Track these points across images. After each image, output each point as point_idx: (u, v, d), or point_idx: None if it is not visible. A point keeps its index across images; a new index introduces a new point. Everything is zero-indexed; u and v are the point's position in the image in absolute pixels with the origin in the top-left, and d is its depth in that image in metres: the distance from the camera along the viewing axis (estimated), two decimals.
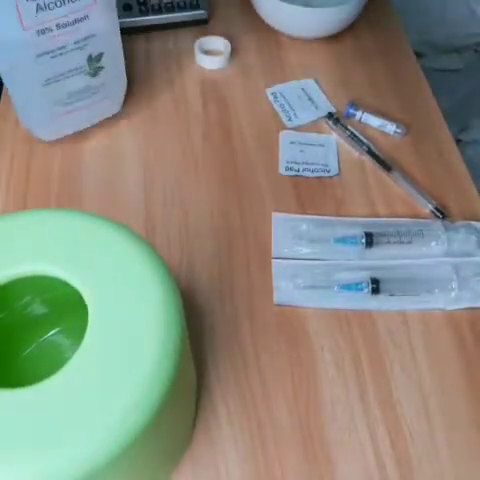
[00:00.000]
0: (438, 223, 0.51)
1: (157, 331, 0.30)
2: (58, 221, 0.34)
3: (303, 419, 0.42)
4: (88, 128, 0.59)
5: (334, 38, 0.68)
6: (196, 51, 0.65)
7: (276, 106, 0.62)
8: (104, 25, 0.52)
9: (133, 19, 0.67)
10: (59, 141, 0.58)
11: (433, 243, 0.50)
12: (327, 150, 0.58)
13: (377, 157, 0.57)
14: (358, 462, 0.40)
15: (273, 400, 0.43)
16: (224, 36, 0.67)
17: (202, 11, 0.68)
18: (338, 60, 0.67)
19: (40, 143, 0.58)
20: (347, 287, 0.47)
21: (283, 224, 0.52)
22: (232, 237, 0.51)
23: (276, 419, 0.42)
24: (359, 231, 0.50)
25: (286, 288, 0.48)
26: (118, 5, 0.65)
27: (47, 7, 0.47)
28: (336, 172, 0.56)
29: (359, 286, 0.47)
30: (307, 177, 0.56)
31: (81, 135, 0.59)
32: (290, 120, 0.61)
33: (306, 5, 0.65)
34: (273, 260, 0.50)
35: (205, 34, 0.67)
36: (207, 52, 0.66)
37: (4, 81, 0.51)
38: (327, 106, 0.62)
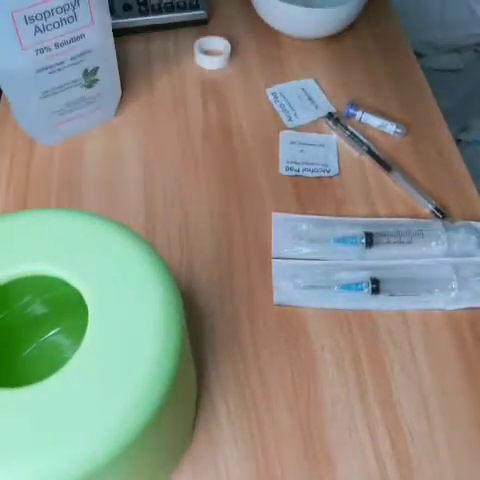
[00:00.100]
0: (438, 223, 0.52)
1: (157, 331, 0.30)
2: (58, 221, 0.35)
3: (303, 419, 0.42)
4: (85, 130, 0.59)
5: (334, 38, 0.68)
6: (196, 51, 0.65)
7: (276, 106, 0.62)
8: (100, 42, 0.53)
9: (133, 19, 0.67)
10: (57, 144, 0.58)
11: (433, 243, 0.50)
12: (327, 150, 0.58)
13: (377, 157, 0.57)
14: (358, 462, 0.40)
15: (273, 400, 0.43)
16: (224, 36, 0.67)
17: (202, 11, 0.68)
18: (338, 60, 0.67)
19: (40, 146, 0.58)
20: (347, 287, 0.47)
21: (283, 224, 0.52)
22: (232, 237, 0.51)
23: (276, 419, 0.42)
24: (359, 231, 0.50)
25: (286, 288, 0.48)
26: (118, 5, 0.66)
27: (45, 29, 0.48)
28: (336, 172, 0.56)
29: (359, 286, 0.47)
30: (307, 177, 0.56)
31: (81, 136, 0.59)
32: (290, 120, 0.61)
33: (306, 5, 0.65)
34: (273, 260, 0.50)
35: (205, 34, 0.67)
36: (207, 52, 0.66)
37: (4, 92, 0.53)
38: (327, 106, 0.62)
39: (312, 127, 0.60)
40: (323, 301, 0.47)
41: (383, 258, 0.50)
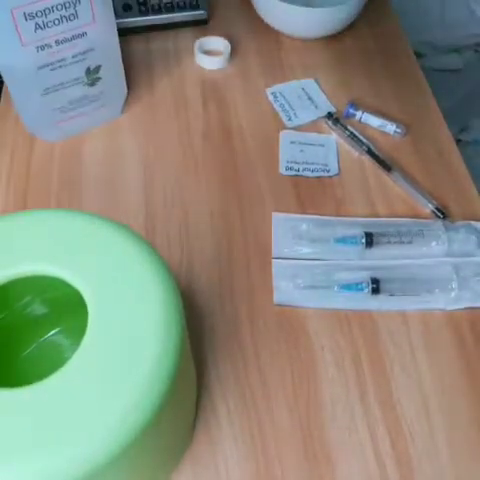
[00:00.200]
0: (438, 223, 0.51)
1: (157, 331, 0.30)
2: (58, 221, 0.34)
3: (303, 419, 0.42)
4: (88, 127, 0.59)
5: (334, 38, 0.68)
6: (196, 51, 0.65)
7: (276, 106, 0.62)
8: (103, 40, 0.53)
9: (133, 19, 0.67)
10: (59, 141, 0.58)
11: (433, 243, 0.50)
12: (327, 150, 0.58)
13: (377, 157, 0.57)
14: (358, 462, 0.40)
15: (273, 400, 0.43)
16: (224, 36, 0.67)
17: (202, 11, 0.68)
18: (338, 60, 0.67)
19: (40, 143, 0.58)
20: (347, 287, 0.47)
21: (283, 224, 0.52)
22: (232, 237, 0.51)
23: (276, 419, 0.42)
24: (359, 231, 0.50)
25: (286, 288, 0.48)
26: (118, 5, 0.66)
27: (46, 25, 0.48)
28: (336, 172, 0.56)
29: (359, 286, 0.47)
30: (307, 177, 0.56)
31: (81, 135, 0.59)
32: (290, 120, 0.61)
33: (306, 5, 0.65)
34: (273, 260, 0.50)
35: (205, 34, 0.67)
36: (207, 52, 0.66)
37: (7, 87, 0.53)
38: (327, 106, 0.62)
39: (312, 127, 0.60)
40: (323, 301, 0.47)
41: (383, 258, 0.50)
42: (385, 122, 0.59)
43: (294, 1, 0.64)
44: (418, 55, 0.69)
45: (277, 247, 0.50)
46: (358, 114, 0.60)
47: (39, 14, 0.47)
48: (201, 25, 0.69)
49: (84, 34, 0.51)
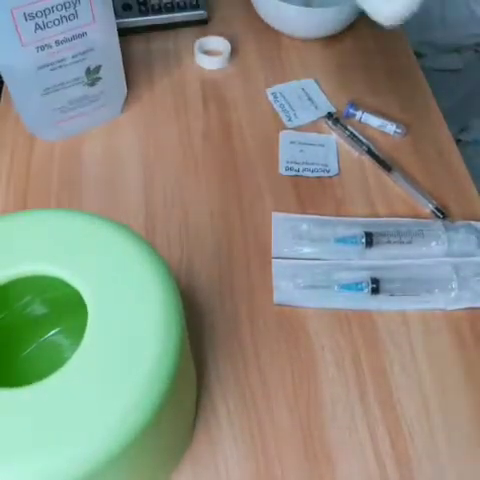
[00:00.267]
0: (438, 223, 0.51)
1: (157, 331, 0.30)
2: (58, 221, 0.35)
3: (303, 419, 0.42)
4: (88, 127, 0.59)
5: (334, 38, 0.68)
6: (196, 51, 0.65)
7: (276, 106, 0.62)
8: (103, 40, 0.53)
9: (133, 19, 0.67)
10: (59, 141, 0.58)
11: (433, 243, 0.50)
12: (327, 150, 0.58)
13: (377, 157, 0.57)
14: (358, 462, 0.40)
15: (273, 400, 0.43)
16: (224, 36, 0.67)
17: (202, 11, 0.68)
18: (338, 60, 0.67)
19: (40, 143, 0.58)
20: (347, 287, 0.47)
21: (283, 224, 0.52)
22: (232, 237, 0.51)
23: (276, 419, 0.42)
24: (359, 231, 0.50)
25: (286, 288, 0.48)
26: (118, 5, 0.66)
27: (46, 26, 0.48)
28: (336, 172, 0.56)
29: (359, 286, 0.47)
30: (307, 177, 0.56)
31: (81, 135, 0.59)
32: (290, 120, 0.61)
33: (306, 5, 0.65)
34: (273, 260, 0.50)
35: (205, 34, 0.67)
36: (207, 52, 0.66)
37: (8, 87, 0.53)
38: (327, 106, 0.62)
39: (312, 127, 0.60)
40: (323, 301, 0.47)
41: (383, 258, 0.50)
42: (385, 122, 0.59)
43: (294, 1, 0.64)
44: (418, 55, 0.69)
45: (277, 247, 0.50)
46: (358, 114, 0.60)
47: (39, 14, 0.47)
48: (201, 25, 0.69)
49: (84, 34, 0.51)
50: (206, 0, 0.69)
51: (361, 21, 0.69)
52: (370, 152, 0.57)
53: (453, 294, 0.47)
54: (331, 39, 0.68)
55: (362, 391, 0.43)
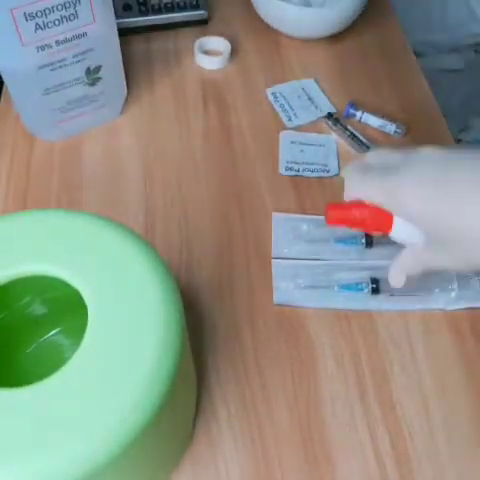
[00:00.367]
0: None
1: (157, 331, 0.30)
2: (58, 221, 0.35)
3: (303, 419, 0.42)
4: (89, 127, 0.59)
5: (334, 38, 0.68)
6: (196, 51, 0.65)
7: (276, 106, 0.62)
8: (103, 40, 0.53)
9: (133, 19, 0.67)
10: (59, 141, 0.58)
11: None
12: (327, 150, 0.58)
13: None
14: (358, 462, 0.40)
15: (273, 401, 0.43)
16: (224, 36, 0.67)
17: (202, 11, 0.68)
18: (338, 60, 0.67)
19: (40, 143, 0.58)
20: (347, 287, 0.47)
21: (283, 224, 0.52)
22: (232, 237, 0.51)
23: (276, 420, 0.42)
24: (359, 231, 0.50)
25: (286, 288, 0.48)
26: (118, 5, 0.66)
27: (46, 26, 0.48)
28: (336, 172, 0.56)
29: (359, 286, 0.47)
30: (307, 177, 0.56)
31: (81, 135, 0.59)
32: (290, 120, 0.61)
33: (306, 5, 0.65)
34: (273, 260, 0.50)
35: (205, 34, 0.67)
36: (207, 52, 0.66)
37: (8, 87, 0.53)
38: (327, 106, 0.62)
39: (312, 127, 0.60)
40: (323, 301, 0.47)
41: (383, 258, 0.50)
42: (385, 122, 0.59)
43: (294, 1, 0.64)
44: (418, 55, 0.69)
45: (277, 247, 0.50)
46: (358, 114, 0.60)
47: (39, 14, 0.47)
48: (201, 25, 0.69)
49: (84, 34, 0.51)
50: (206, 0, 0.69)
51: (361, 21, 0.69)
52: None
53: (453, 294, 0.47)
54: (331, 39, 0.68)
55: (362, 391, 0.43)
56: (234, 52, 0.66)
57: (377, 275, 0.48)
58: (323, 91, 0.63)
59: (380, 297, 0.47)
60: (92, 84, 0.56)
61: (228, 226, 0.52)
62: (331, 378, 0.44)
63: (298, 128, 0.60)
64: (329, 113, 0.60)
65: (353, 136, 0.58)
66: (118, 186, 0.55)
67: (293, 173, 0.56)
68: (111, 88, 0.58)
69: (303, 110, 0.61)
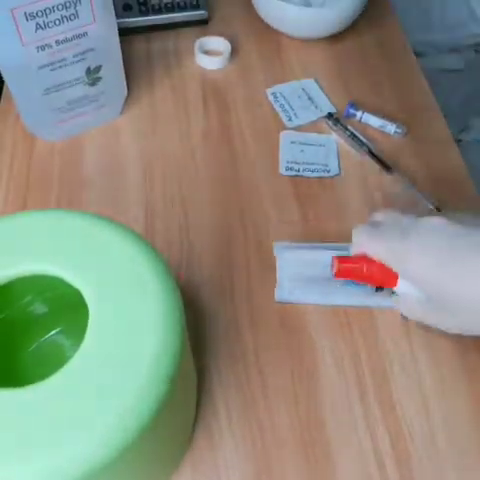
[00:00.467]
0: None
1: (157, 331, 0.30)
2: (58, 221, 0.35)
3: (303, 420, 0.42)
4: (89, 127, 0.59)
5: (334, 38, 0.68)
6: (196, 51, 0.65)
7: (276, 106, 0.62)
8: (103, 40, 0.53)
9: (133, 19, 0.67)
10: (60, 141, 0.58)
11: None
12: (327, 150, 0.58)
13: (377, 157, 0.57)
14: (358, 462, 0.40)
15: (273, 401, 0.43)
16: (224, 36, 0.67)
17: (202, 11, 0.68)
18: (338, 60, 0.67)
19: (40, 143, 0.58)
20: (350, 283, 0.47)
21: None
22: (232, 237, 0.51)
23: (277, 421, 0.42)
24: None
25: (287, 285, 0.48)
26: (118, 5, 0.66)
27: (46, 26, 0.49)
28: (336, 172, 0.56)
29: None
30: (307, 177, 0.56)
31: (81, 135, 0.59)
32: (290, 120, 0.61)
33: (306, 5, 0.65)
34: (275, 255, 0.49)
35: (205, 34, 0.67)
36: (207, 52, 0.66)
37: (9, 87, 0.53)
38: (327, 106, 0.62)
39: (312, 127, 0.60)
40: (325, 297, 0.47)
41: None
42: (385, 122, 0.59)
43: (294, 1, 0.64)
44: (418, 55, 0.69)
45: (277, 247, 0.50)
46: (358, 114, 0.60)
47: (40, 14, 0.47)
48: (201, 25, 0.69)
49: (84, 34, 0.51)
50: (206, 0, 0.69)
51: (361, 21, 0.69)
52: (370, 152, 0.57)
53: None
54: (331, 39, 0.68)
55: (362, 391, 0.43)
56: (234, 52, 0.67)
57: None
58: (323, 91, 0.63)
59: (383, 293, 0.47)
60: (92, 84, 0.56)
61: (228, 226, 0.52)
62: (331, 378, 0.44)
63: (298, 128, 0.60)
64: (329, 113, 0.60)
65: (353, 136, 0.58)
66: (118, 186, 0.55)
67: (293, 173, 0.56)
68: (111, 88, 0.58)
69: (303, 110, 0.61)
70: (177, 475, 0.40)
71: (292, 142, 0.59)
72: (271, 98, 0.63)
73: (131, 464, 0.31)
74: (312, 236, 0.52)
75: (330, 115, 0.60)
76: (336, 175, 0.56)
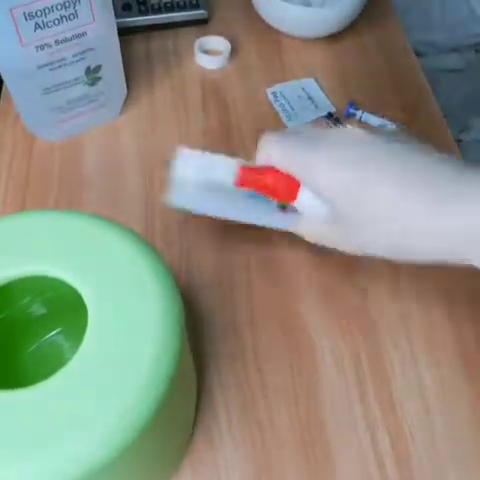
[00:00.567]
0: None
1: (156, 332, 0.30)
2: (58, 221, 0.34)
3: (303, 420, 0.42)
4: (89, 127, 0.59)
5: (334, 38, 0.68)
6: (196, 51, 0.65)
7: (276, 106, 0.62)
8: (102, 40, 0.53)
9: (133, 19, 0.67)
10: (59, 141, 0.58)
11: None
12: None
13: None
14: (358, 462, 0.40)
15: (273, 401, 0.43)
16: (224, 36, 0.67)
17: (202, 11, 0.68)
18: (338, 60, 0.67)
19: (40, 142, 0.58)
20: (256, 198, 0.42)
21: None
22: (232, 237, 0.51)
23: (276, 421, 0.42)
24: None
25: (184, 190, 0.42)
26: (118, 5, 0.66)
27: (46, 25, 0.48)
28: None
29: (269, 197, 0.42)
30: None
31: (81, 134, 0.59)
32: (290, 120, 0.61)
33: (306, 5, 0.65)
34: (178, 154, 0.43)
35: (205, 34, 0.67)
36: (207, 52, 0.66)
37: (7, 87, 0.53)
38: (327, 106, 0.62)
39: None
40: (223, 209, 0.43)
41: None
42: (385, 122, 0.59)
43: (294, 1, 0.64)
44: (418, 55, 0.69)
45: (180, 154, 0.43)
46: (358, 114, 0.60)
47: (39, 14, 0.47)
48: (201, 25, 0.69)
49: (84, 34, 0.51)
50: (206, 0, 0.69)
51: (361, 21, 0.69)
52: None
53: None
54: (331, 39, 0.68)
55: (362, 391, 0.43)
56: (234, 52, 0.66)
57: None
58: (323, 91, 0.63)
59: (290, 217, 0.42)
60: (92, 84, 0.56)
61: (228, 226, 0.52)
62: (331, 378, 0.44)
63: None
64: (329, 113, 0.60)
65: None
66: (118, 186, 0.55)
67: None
68: (111, 88, 0.58)
69: (303, 110, 0.61)
70: (177, 475, 0.40)
71: None
72: (271, 98, 0.63)
73: (131, 464, 0.31)
74: None
75: (330, 115, 0.60)
76: None
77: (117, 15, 0.54)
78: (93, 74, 0.55)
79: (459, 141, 1.13)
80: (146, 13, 0.67)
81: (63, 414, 0.28)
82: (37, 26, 0.48)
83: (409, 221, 0.34)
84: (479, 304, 0.48)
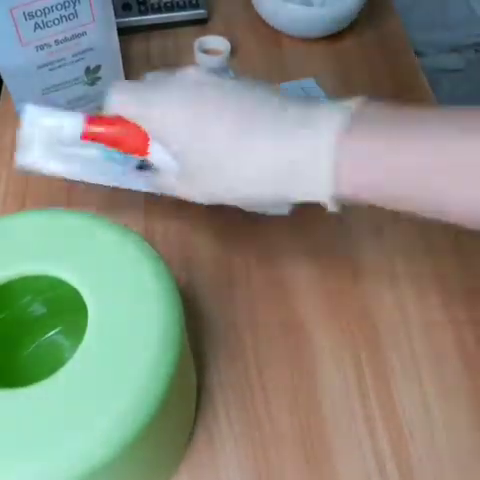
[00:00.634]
0: None
1: (156, 331, 0.30)
2: (58, 221, 0.34)
3: (303, 420, 0.42)
4: None
5: (334, 37, 0.68)
6: (196, 50, 0.65)
7: None
8: (102, 40, 0.53)
9: (132, 19, 0.67)
10: None
11: None
12: None
13: None
14: (358, 462, 0.40)
15: (273, 401, 0.43)
16: (224, 35, 0.66)
17: (202, 10, 0.68)
18: (338, 60, 0.67)
19: None
20: (111, 157, 0.39)
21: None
22: (232, 236, 0.51)
23: (276, 421, 0.42)
24: None
25: (31, 148, 0.39)
26: (118, 4, 0.66)
27: (45, 25, 0.48)
28: None
29: (128, 157, 0.39)
30: None
31: None
32: None
33: (306, 5, 0.65)
34: (23, 111, 0.40)
35: (205, 33, 0.67)
36: (207, 51, 0.66)
37: (8, 87, 0.53)
38: None
39: None
40: (72, 170, 0.39)
41: None
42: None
43: (294, 1, 0.64)
44: (418, 55, 0.69)
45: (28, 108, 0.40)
46: None
47: (39, 14, 0.47)
48: (201, 24, 0.69)
49: (84, 34, 0.51)
50: None
51: (361, 21, 0.69)
52: None
53: None
54: (331, 39, 0.68)
55: (362, 391, 0.43)
56: (234, 51, 0.66)
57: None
58: (323, 91, 0.63)
59: (147, 173, 0.40)
60: (92, 84, 0.56)
61: (228, 226, 0.52)
62: (331, 379, 0.44)
63: None
64: None
65: None
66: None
67: None
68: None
69: None
70: (177, 475, 0.40)
71: None
72: None
73: (131, 464, 0.31)
74: None
75: None
76: None
77: (117, 15, 0.54)
78: (93, 74, 0.55)
79: None
80: (146, 13, 0.67)
81: (63, 413, 0.28)
82: (37, 26, 0.48)
83: (246, 156, 0.33)
84: (479, 304, 0.48)
